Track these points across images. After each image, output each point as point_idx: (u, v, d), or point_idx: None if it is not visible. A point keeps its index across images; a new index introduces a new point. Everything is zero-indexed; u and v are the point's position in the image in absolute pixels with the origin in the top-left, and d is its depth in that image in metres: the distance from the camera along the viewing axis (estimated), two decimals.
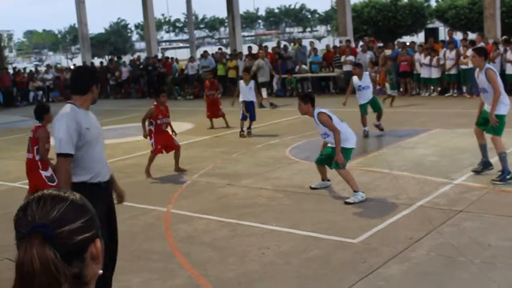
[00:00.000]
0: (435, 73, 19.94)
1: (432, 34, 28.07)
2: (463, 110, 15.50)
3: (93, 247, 1.54)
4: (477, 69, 8.54)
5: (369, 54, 22.16)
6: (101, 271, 1.59)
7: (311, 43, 25.74)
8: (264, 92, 20.05)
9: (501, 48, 19.04)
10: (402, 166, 9.71)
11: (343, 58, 22.40)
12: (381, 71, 21.28)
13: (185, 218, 7.65)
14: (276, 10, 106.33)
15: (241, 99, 14.31)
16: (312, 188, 8.57)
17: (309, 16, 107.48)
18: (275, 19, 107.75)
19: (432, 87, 20.37)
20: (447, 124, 13.52)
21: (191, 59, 27.63)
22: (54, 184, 7.73)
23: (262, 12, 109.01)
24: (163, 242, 6.79)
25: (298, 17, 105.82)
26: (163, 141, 10.28)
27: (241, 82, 14.61)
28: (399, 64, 20.71)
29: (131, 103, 25.80)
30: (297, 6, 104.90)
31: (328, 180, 8.64)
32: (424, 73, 20.14)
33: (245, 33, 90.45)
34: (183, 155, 10.81)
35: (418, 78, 20.51)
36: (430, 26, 43.88)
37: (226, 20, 68.17)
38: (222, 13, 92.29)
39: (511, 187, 8.00)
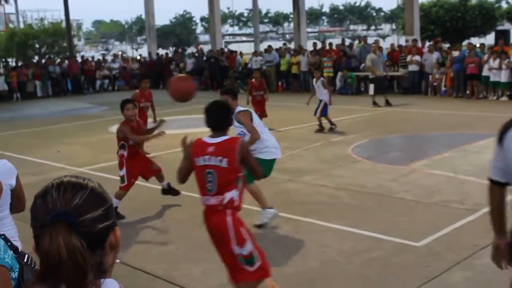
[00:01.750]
0: (504, 77, 19.38)
1: (502, 36, 27.34)
2: None
3: (112, 236, 1.53)
4: None
5: (435, 55, 21.73)
6: (118, 260, 1.58)
7: (376, 41, 25.42)
8: (371, 88, 19.30)
9: None
10: (468, 170, 9.50)
11: (409, 58, 22.03)
12: (447, 73, 20.89)
13: (246, 211, 7.68)
14: (341, 7, 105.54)
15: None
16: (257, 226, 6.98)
17: (374, 14, 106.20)
18: (339, 16, 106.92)
19: (500, 91, 19.82)
20: None
21: (256, 53, 27.73)
22: (123, 185, 7.81)
23: (326, 9, 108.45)
24: None
25: (363, 14, 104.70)
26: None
27: (314, 81, 14.66)
28: (466, 66, 20.22)
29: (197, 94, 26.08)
30: (362, 4, 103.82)
31: (271, 208, 7.13)
32: (493, 76, 19.61)
33: (309, 29, 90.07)
34: None
35: (486, 81, 19.99)
36: (500, 28, 42.73)
37: (290, 16, 68.07)
38: (286, 8, 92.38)
39: None
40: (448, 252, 5.98)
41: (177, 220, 7.68)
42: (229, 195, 4.37)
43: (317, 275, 5.60)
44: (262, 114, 14.43)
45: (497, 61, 19.38)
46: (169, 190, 8.31)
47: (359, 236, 6.56)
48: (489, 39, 39.92)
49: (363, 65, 22.98)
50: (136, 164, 7.90)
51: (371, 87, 19.08)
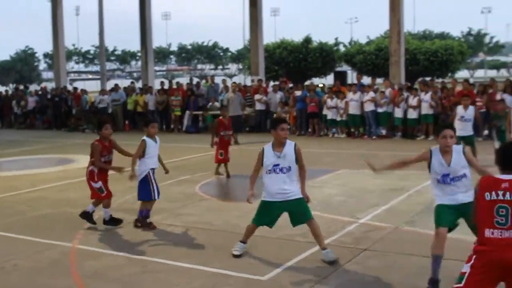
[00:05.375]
0: (340, 115, 20.64)
1: (340, 77, 29.15)
2: (367, 151, 16.09)
3: None
4: None
5: (279, 94, 22.67)
6: None
7: (224, 81, 26.06)
8: None
9: (405, 94, 19.96)
10: (310, 205, 9.90)
11: (256, 97, 22.76)
12: (290, 112, 21.84)
13: (92, 254, 7.48)
14: (189, 47, 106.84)
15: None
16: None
17: (221, 53, 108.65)
18: (187, 55, 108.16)
19: (339, 129, 21.01)
20: (352, 165, 13.96)
21: (102, 91, 27.22)
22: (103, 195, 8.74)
23: (174, 48, 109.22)
24: (68, 278, 6.60)
25: (210, 54, 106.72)
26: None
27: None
28: (307, 105, 21.28)
29: (37, 134, 25.06)
30: (210, 44, 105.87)
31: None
32: (331, 115, 20.79)
33: (157, 68, 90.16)
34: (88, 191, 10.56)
35: (325, 119, 21.13)
36: (339, 69, 45.50)
37: (138, 54, 67.69)
38: (134, 47, 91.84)
39: (411, 227, 8.35)
40: (292, 284, 6.19)
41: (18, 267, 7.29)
42: None
43: None
44: (227, 158, 13.39)
45: (334, 100, 20.61)
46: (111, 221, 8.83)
47: (207, 274, 6.61)
48: (330, 79, 42.32)
49: (210, 103, 23.38)
50: (106, 178, 8.87)
51: None
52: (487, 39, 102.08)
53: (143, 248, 7.65)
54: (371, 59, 42.27)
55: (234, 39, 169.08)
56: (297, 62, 43.08)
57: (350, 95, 20.65)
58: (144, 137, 8.81)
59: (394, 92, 20.29)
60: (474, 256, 4.53)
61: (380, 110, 19.95)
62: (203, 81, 31.55)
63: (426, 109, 19.08)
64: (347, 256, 7.03)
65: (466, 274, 4.51)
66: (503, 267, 4.38)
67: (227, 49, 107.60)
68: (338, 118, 20.73)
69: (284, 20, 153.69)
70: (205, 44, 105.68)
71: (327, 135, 21.20)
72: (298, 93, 22.19)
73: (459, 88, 20.50)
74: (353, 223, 8.59)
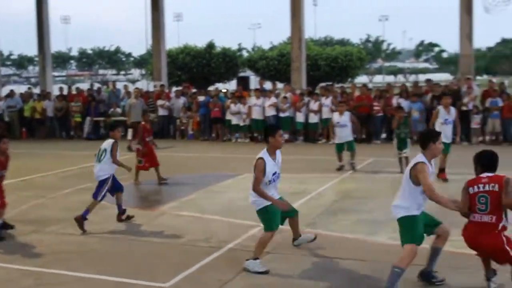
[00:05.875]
0: (243, 120, 20.79)
1: (243, 82, 29.41)
2: None
3: None
4: None
5: (182, 100, 22.56)
6: None
7: (126, 86, 25.62)
8: (129, 133, 18.97)
9: (306, 98, 20.36)
10: (213, 210, 9.93)
11: (159, 102, 22.52)
12: (194, 117, 21.77)
13: None
14: (90, 51, 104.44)
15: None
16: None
17: (124, 59, 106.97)
18: (88, 60, 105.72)
19: (242, 134, 21.15)
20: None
21: None
22: None
23: (74, 53, 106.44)
24: None
25: (112, 59, 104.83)
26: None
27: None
28: (211, 111, 21.31)
29: None
30: (112, 49, 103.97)
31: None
32: (235, 120, 20.91)
33: (56, 73, 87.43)
34: None
35: (229, 124, 21.21)
36: (242, 74, 45.82)
37: (35, 58, 65.35)
38: (31, 51, 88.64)
39: (313, 229, 8.50)
40: None
41: None
42: None
43: None
44: (155, 162, 12.95)
45: (238, 105, 20.73)
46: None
47: (109, 283, 6.45)
48: (233, 84, 42.55)
49: (111, 109, 22.91)
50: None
51: (129, 132, 19.18)
52: (384, 46, 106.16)
53: (39, 260, 7.36)
54: (274, 65, 42.84)
55: (137, 44, 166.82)
56: (201, 67, 43.04)
57: (253, 100, 20.86)
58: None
59: (295, 97, 20.66)
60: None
61: (282, 114, 20.24)
62: (105, 86, 30.91)
63: (327, 114, 19.55)
64: None
65: None
66: (476, 248, 5.78)
67: (129, 54, 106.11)
68: (241, 123, 20.87)
69: (188, 25, 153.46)
70: (106, 49, 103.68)
71: (231, 140, 21.27)
72: (201, 98, 22.18)
73: (357, 93, 21.16)
74: (256, 227, 8.63)
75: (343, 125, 13.71)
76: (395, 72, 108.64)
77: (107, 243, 8.15)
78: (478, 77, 73.23)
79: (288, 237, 8.02)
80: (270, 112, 20.32)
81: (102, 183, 9.09)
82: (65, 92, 25.48)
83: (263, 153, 6.90)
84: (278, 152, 7.00)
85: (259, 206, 6.87)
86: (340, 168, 13.65)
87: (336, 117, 14.01)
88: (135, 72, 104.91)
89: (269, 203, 6.74)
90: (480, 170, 5.85)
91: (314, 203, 10.40)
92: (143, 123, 13.41)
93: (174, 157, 16.66)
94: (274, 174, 6.86)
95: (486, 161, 5.88)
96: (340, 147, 13.83)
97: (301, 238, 7.52)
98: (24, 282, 6.57)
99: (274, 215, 6.81)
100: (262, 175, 6.73)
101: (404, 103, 18.61)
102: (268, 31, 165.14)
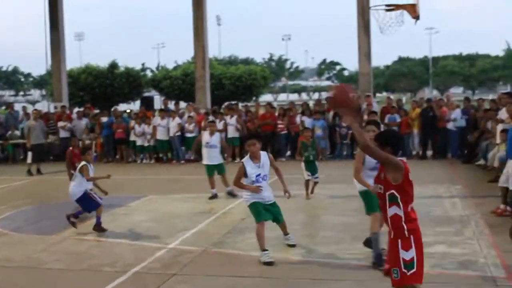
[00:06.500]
0: (150, 141, 20.56)
1: (147, 102, 29.11)
2: (175, 176, 16.17)
3: None
4: None
5: (84, 121, 22.05)
6: None
7: (24, 108, 24.77)
8: (29, 156, 18.66)
9: (210, 117, 20.39)
10: (118, 233, 9.71)
11: (60, 124, 21.89)
12: (97, 138, 21.32)
13: None
14: None
15: None
16: None
17: (22, 79, 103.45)
18: None
19: (147, 154, 20.89)
20: (161, 190, 13.94)
21: None
22: None
23: None
24: None
25: (10, 79, 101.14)
26: None
27: None
28: (114, 131, 20.95)
29: None
30: (10, 69, 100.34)
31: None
32: (140, 141, 20.64)
33: None
34: None
35: (134, 145, 20.90)
36: (146, 94, 45.34)
37: None
38: None
39: (219, 248, 8.49)
40: None
41: None
42: None
43: None
44: None
45: (142, 126, 20.49)
46: None
47: None
48: (137, 105, 41.97)
49: (9, 132, 22.05)
50: None
51: (29, 154, 18.58)
52: (288, 65, 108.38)
53: None
54: (178, 84, 42.64)
55: (36, 63, 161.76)
56: (103, 87, 42.19)
57: (157, 120, 20.68)
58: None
59: (199, 116, 20.66)
60: (411, 237, 4.80)
61: (188, 134, 20.13)
62: (2, 108, 29.72)
63: (232, 132, 19.65)
64: (157, 282, 6.95)
65: (415, 258, 4.76)
66: None
67: (29, 74, 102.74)
68: (146, 144, 20.61)
69: (89, 45, 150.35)
70: (4, 69, 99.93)
71: (136, 161, 20.96)
72: (104, 119, 21.75)
73: (262, 111, 21.44)
74: (162, 249, 8.53)
75: (213, 146, 12.79)
76: (298, 90, 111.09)
77: (4, 272, 7.75)
78: (378, 94, 76.37)
79: (196, 258, 7.98)
80: (175, 132, 20.20)
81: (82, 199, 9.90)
82: None
83: (245, 158, 8.09)
84: (263, 155, 8.07)
85: (247, 203, 8.03)
86: (214, 197, 12.54)
87: (206, 137, 12.94)
88: (35, 93, 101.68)
89: (253, 200, 7.90)
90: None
91: (220, 222, 10.39)
92: (70, 148, 13.09)
93: None
94: (258, 175, 7.92)
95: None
96: (210, 170, 12.78)
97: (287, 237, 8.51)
98: None
99: (256, 209, 7.88)
100: (240, 174, 7.95)
101: (308, 121, 19.02)
102: (172, 50, 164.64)
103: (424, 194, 11.55)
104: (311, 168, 12.22)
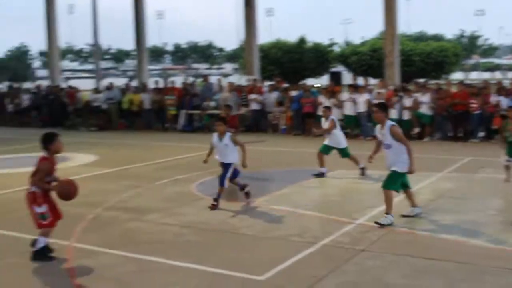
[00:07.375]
0: (336, 115, 20.57)
1: (335, 77, 29.17)
2: (359, 152, 16.05)
3: None
4: (379, 125, 8.86)
5: (275, 94, 22.62)
6: None
7: (219, 80, 25.99)
8: None
9: (400, 95, 19.94)
10: (306, 205, 9.91)
11: (251, 96, 22.71)
12: (287, 111, 21.78)
13: (88, 252, 7.44)
14: (184, 46, 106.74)
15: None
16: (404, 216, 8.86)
17: (217, 53, 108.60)
18: (182, 54, 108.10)
19: None
20: (349, 165, 13.94)
21: (96, 90, 27.09)
22: (45, 222, 7.14)
23: (170, 47, 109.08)
24: (64, 277, 6.56)
25: (205, 53, 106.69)
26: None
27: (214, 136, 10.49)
28: (303, 106, 21.25)
29: (32, 131, 24.92)
30: (205, 43, 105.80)
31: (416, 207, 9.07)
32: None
33: (152, 67, 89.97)
34: (87, 188, 10.50)
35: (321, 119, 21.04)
36: (333, 70, 45.48)
37: (132, 53, 67.27)
38: (128, 46, 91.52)
39: (408, 228, 8.33)
40: (290, 284, 6.17)
41: None
42: None
43: None
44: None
45: (331, 100, 20.56)
46: None
47: (204, 273, 6.57)
48: (324, 79, 42.28)
49: (205, 103, 23.31)
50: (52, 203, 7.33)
51: None
52: (480, 41, 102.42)
53: (139, 247, 7.60)
54: (366, 60, 42.26)
55: (227, 39, 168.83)
56: (292, 62, 43.02)
57: (345, 96, 20.63)
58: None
59: (388, 93, 20.27)
60: None
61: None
62: (198, 80, 31.47)
63: (424, 110, 19.10)
64: (345, 256, 7.02)
65: None
66: None
67: (222, 49, 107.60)
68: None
69: (279, 20, 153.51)
70: (200, 43, 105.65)
71: (322, 135, 21.10)
72: (294, 93, 22.15)
73: (454, 89, 20.53)
74: (350, 224, 8.57)
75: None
76: (491, 68, 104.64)
77: (201, 234, 8.30)
78: None
79: (384, 236, 7.92)
80: (363, 108, 20.03)
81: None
82: (160, 85, 26.19)
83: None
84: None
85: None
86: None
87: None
88: (228, 67, 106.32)
89: None
90: None
91: (407, 202, 10.16)
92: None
93: (264, 151, 16.75)
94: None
95: None
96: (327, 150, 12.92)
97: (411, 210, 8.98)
98: (127, 268, 6.79)
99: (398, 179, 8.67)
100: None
101: (504, 101, 17.89)
102: (359, 26, 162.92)
103: None
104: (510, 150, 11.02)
